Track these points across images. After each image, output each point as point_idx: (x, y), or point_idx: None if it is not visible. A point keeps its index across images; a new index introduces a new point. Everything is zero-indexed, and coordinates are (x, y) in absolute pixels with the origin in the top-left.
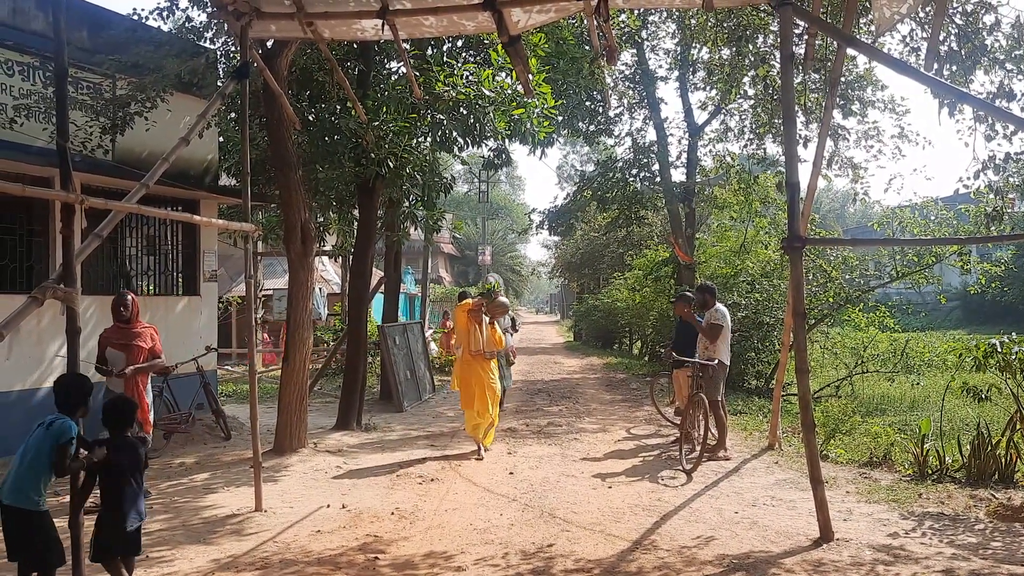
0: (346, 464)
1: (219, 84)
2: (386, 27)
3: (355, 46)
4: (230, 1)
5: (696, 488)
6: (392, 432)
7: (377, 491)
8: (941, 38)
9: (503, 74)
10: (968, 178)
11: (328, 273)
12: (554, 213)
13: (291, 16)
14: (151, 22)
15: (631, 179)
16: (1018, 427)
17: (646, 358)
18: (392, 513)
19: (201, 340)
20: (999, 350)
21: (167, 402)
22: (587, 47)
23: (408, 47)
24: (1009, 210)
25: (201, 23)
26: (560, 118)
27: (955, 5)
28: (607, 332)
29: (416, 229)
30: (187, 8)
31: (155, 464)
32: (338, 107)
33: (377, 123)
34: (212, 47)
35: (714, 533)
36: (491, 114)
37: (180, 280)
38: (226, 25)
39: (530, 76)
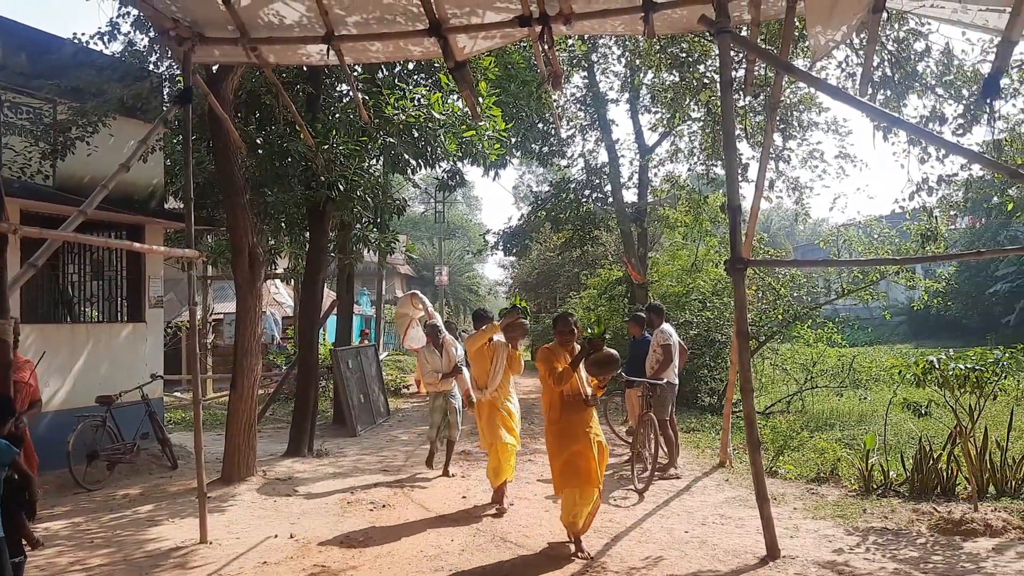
0: (296, 492)
1: (164, 108)
2: (331, 52)
3: (304, 69)
4: (172, 26)
5: (647, 508)
6: (344, 458)
7: (327, 519)
8: (875, 64)
9: (454, 97)
10: (904, 199)
11: (281, 296)
12: (509, 233)
13: (235, 41)
14: (93, 46)
15: (584, 200)
16: (958, 441)
17: None
18: (341, 542)
19: (147, 368)
20: (937, 367)
21: (110, 432)
22: (537, 70)
23: (358, 70)
24: (950, 227)
25: (144, 47)
26: (513, 140)
27: (887, 33)
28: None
29: (369, 251)
30: (129, 32)
31: (98, 496)
32: (287, 130)
33: (327, 146)
34: (157, 71)
35: (663, 553)
36: (442, 136)
37: (125, 306)
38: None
39: (479, 100)
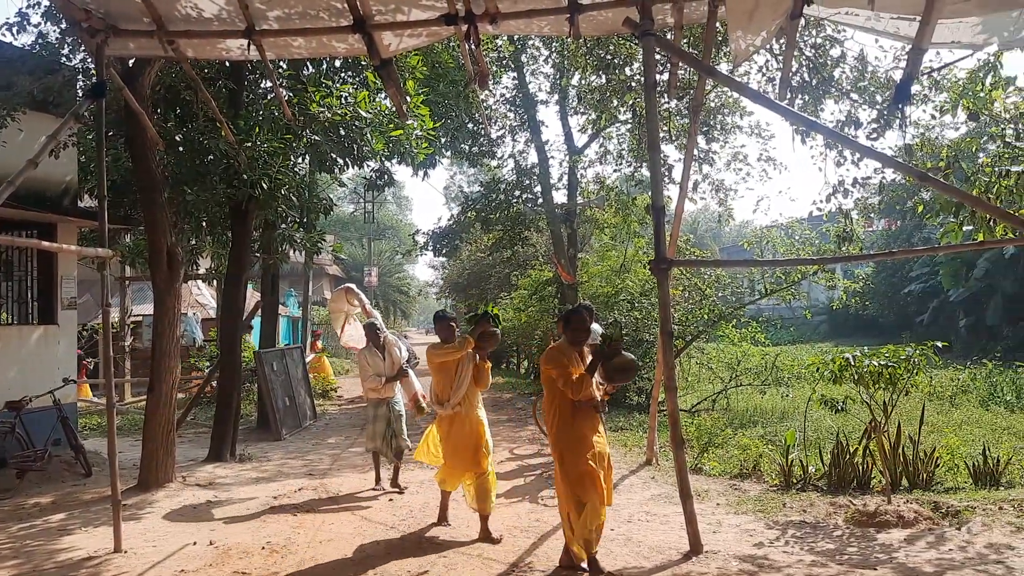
0: (217, 498)
1: (77, 102)
2: (252, 47)
3: (226, 65)
4: (84, 17)
5: None
6: (268, 462)
7: (249, 525)
8: (794, 69)
9: (382, 95)
10: (821, 201)
11: (204, 297)
12: (439, 234)
13: (150, 34)
14: (1, 37)
15: (514, 200)
16: (873, 436)
17: (532, 377)
18: (263, 548)
19: (59, 371)
20: (852, 364)
21: (20, 438)
22: (466, 70)
23: (283, 67)
24: (867, 229)
25: (56, 39)
26: (442, 140)
27: (805, 39)
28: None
29: (295, 251)
30: (40, 23)
31: (6, 506)
32: (208, 127)
33: (250, 144)
34: (69, 64)
35: None
36: (369, 135)
37: (36, 308)
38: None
39: (406, 98)
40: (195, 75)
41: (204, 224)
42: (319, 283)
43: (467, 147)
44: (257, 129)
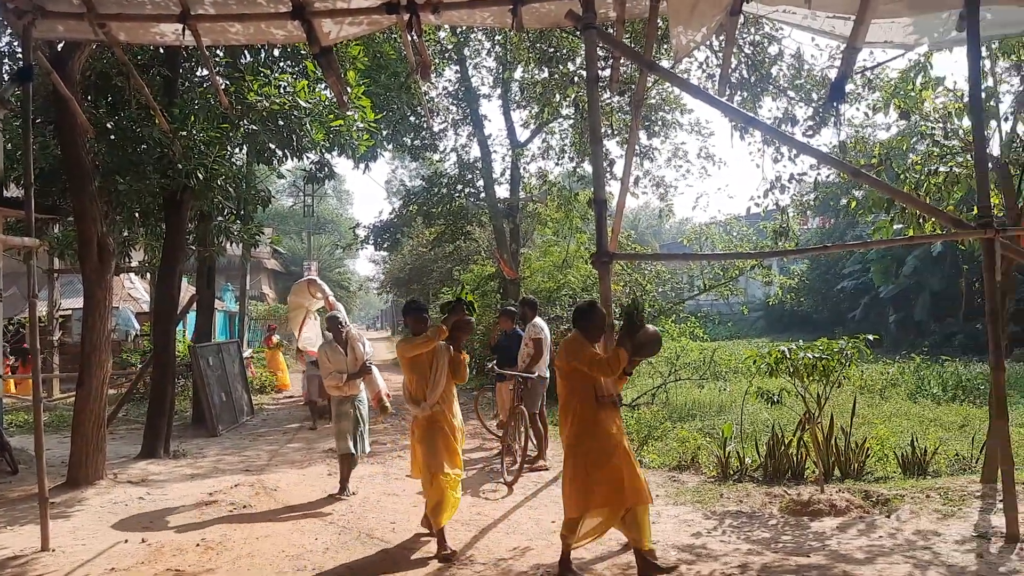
0: (150, 495)
1: (3, 86)
2: (188, 32)
3: (161, 51)
4: None
5: (516, 500)
6: (204, 458)
7: (183, 522)
8: (733, 66)
9: (321, 85)
10: (759, 197)
11: (136, 291)
12: (380, 228)
13: (80, 16)
14: None
15: (457, 195)
16: (807, 428)
17: (472, 372)
18: (198, 544)
19: None
20: (788, 357)
21: None
22: (407, 61)
23: (220, 54)
24: (802, 226)
25: None
26: (384, 132)
27: (744, 36)
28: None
29: (233, 244)
30: None
31: None
32: (141, 115)
33: (185, 133)
34: None
35: (531, 544)
36: (308, 126)
37: None
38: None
39: (346, 89)
40: (128, 61)
41: (137, 215)
42: (257, 277)
43: (409, 140)
44: (192, 118)
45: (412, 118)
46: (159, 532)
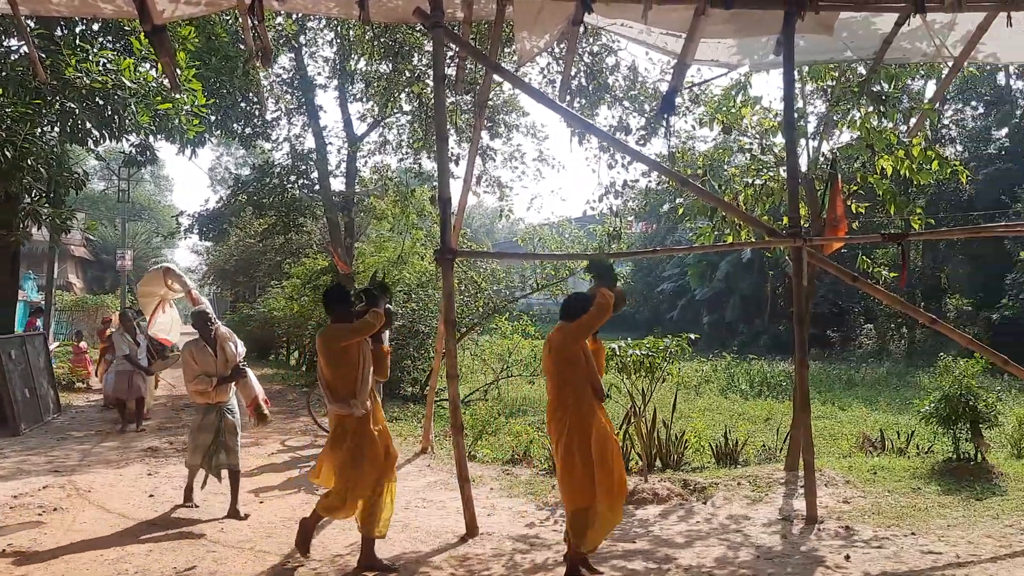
0: None
1: None
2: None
3: None
4: None
5: None
6: (5, 459)
7: None
8: (573, 74)
9: (147, 65)
10: (594, 201)
11: None
12: (205, 217)
13: None
14: None
15: (289, 186)
16: (632, 421)
17: (304, 368)
18: (3, 551)
19: None
20: (617, 353)
21: None
22: (242, 46)
23: (32, 25)
24: (628, 231)
25: None
26: (212, 117)
27: (584, 46)
28: (264, 342)
29: (40, 229)
30: None
31: None
32: None
33: None
34: None
35: None
36: (132, 107)
37: None
38: None
39: (177, 71)
40: None
41: None
42: (63, 266)
43: (239, 127)
44: (2, 91)
45: (243, 104)
46: None
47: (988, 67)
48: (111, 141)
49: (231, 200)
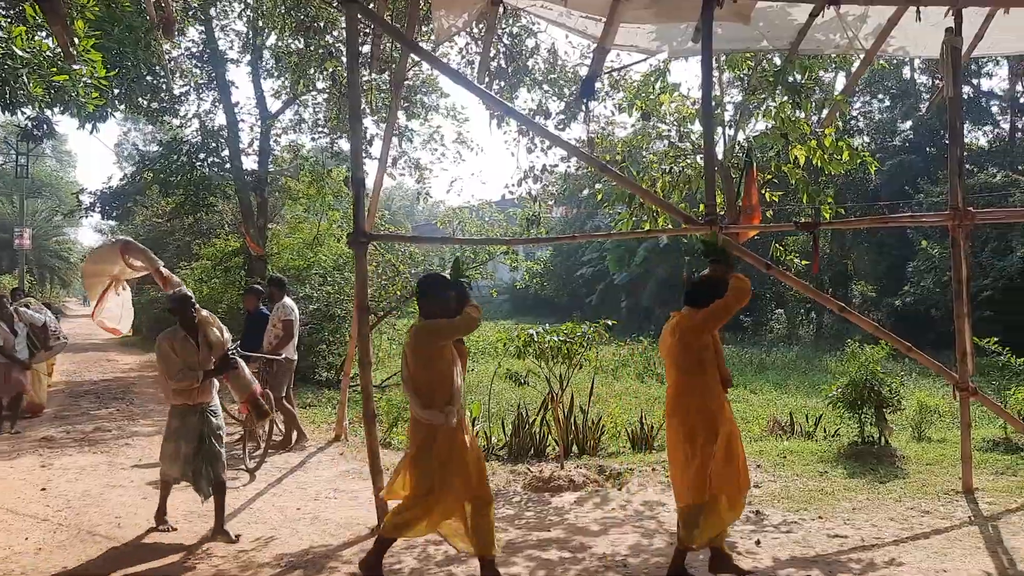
0: None
1: None
2: None
3: None
4: None
5: (259, 487)
6: None
7: None
8: (492, 55)
9: (43, 33)
10: (513, 185)
11: None
12: (110, 195)
13: None
14: None
15: (199, 163)
16: (550, 407)
17: None
18: None
19: None
20: (536, 339)
21: None
22: (147, 16)
23: None
24: (548, 215)
25: None
26: (115, 91)
27: (503, 27)
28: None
29: None
30: None
31: None
32: None
33: None
34: None
35: (275, 533)
36: (25, 78)
37: None
38: None
39: (74, 40)
40: None
41: None
42: None
43: (145, 102)
44: None
45: (149, 78)
46: None
47: (897, 60)
48: (4, 114)
49: (136, 178)
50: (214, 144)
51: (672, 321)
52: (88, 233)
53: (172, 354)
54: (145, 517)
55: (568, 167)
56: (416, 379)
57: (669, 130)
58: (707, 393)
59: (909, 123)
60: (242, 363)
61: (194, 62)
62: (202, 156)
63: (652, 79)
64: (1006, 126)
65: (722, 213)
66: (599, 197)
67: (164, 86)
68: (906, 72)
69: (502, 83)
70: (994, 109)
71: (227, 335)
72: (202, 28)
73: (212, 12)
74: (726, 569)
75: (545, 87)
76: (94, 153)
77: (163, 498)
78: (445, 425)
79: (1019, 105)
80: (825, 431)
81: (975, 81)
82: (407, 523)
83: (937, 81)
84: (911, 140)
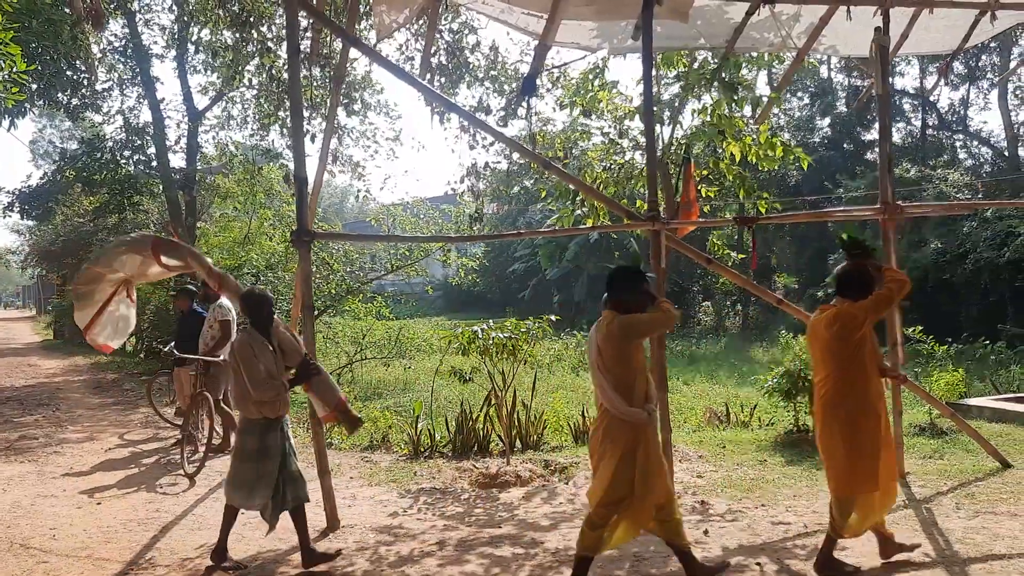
0: None
1: None
2: None
3: None
4: None
5: (200, 492)
6: None
7: None
8: (433, 51)
9: None
10: (455, 182)
11: None
12: (28, 194)
13: None
14: None
15: (124, 161)
16: (493, 403)
17: (142, 355)
18: None
19: None
20: (480, 336)
21: None
22: (67, 9)
23: None
24: (486, 212)
25: None
26: (34, 86)
27: (445, 23)
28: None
29: None
30: None
31: None
32: None
33: None
34: None
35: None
36: None
37: None
38: None
39: None
40: None
41: None
42: None
43: (65, 97)
44: None
45: (69, 72)
46: None
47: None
48: None
49: (57, 176)
50: (139, 141)
51: (827, 313)
52: (4, 234)
53: (255, 360)
54: (83, 528)
55: (509, 164)
56: (618, 376)
57: (608, 127)
58: (867, 384)
59: (827, 120)
60: (323, 368)
61: (117, 57)
62: (127, 154)
63: (591, 76)
64: (917, 123)
65: (662, 208)
66: (542, 193)
67: (86, 81)
68: (824, 71)
69: (443, 80)
70: (906, 107)
71: (300, 339)
72: (125, 22)
73: (135, 6)
74: (894, 550)
75: (486, 84)
76: (8, 150)
77: (225, 531)
78: (648, 425)
79: (930, 103)
80: (760, 420)
81: (889, 79)
82: (596, 527)
83: (854, 80)
84: (829, 137)
